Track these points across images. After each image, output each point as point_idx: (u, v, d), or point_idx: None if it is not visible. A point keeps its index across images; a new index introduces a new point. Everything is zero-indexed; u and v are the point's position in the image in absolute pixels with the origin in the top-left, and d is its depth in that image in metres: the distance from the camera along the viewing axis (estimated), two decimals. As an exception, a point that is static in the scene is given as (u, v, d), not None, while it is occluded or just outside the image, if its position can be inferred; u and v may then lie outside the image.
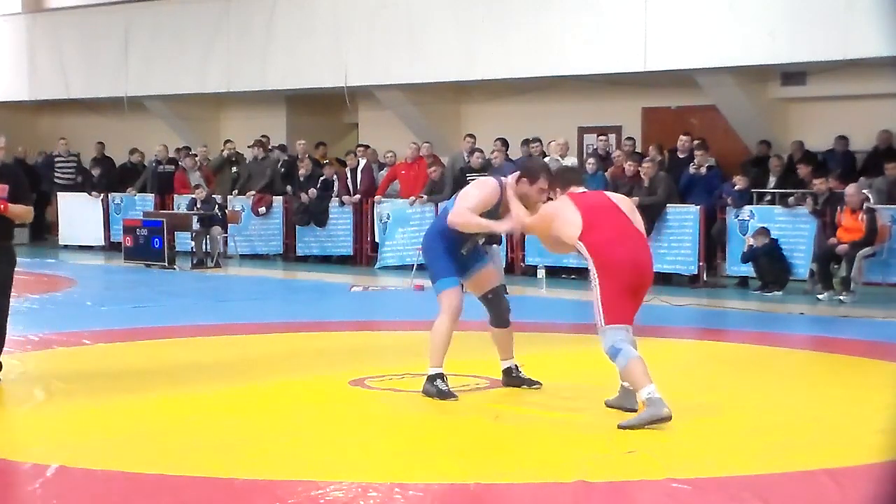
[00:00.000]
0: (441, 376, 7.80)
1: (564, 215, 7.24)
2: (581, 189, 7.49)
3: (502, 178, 7.89)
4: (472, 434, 6.85)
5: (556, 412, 7.39)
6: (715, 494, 5.70)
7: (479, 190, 7.79)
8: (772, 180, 16.34)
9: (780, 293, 14.57)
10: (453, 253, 7.91)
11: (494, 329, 8.11)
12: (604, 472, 5.98)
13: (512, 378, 8.09)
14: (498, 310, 8.05)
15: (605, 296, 7.02)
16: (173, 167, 21.22)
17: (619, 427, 6.82)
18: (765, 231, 14.81)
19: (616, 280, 7.02)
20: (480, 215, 7.67)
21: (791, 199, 15.27)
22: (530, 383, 8.05)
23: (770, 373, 9.28)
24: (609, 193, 7.71)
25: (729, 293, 15.09)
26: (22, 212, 8.19)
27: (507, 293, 7.92)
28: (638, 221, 7.37)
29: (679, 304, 13.60)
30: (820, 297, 14.11)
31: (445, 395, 7.73)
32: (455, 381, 8.09)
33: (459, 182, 17.66)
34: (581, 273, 16.18)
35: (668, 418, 6.75)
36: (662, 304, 13.49)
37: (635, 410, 7.20)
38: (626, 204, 7.45)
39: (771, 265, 14.79)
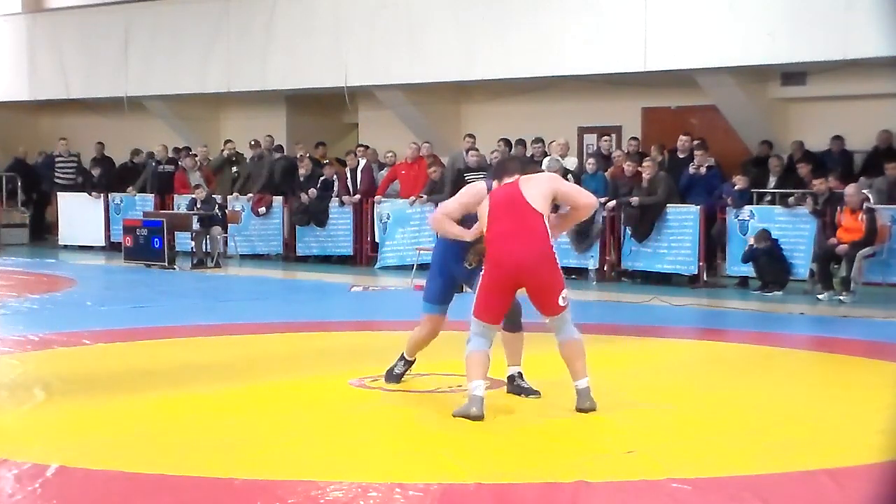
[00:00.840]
0: (404, 361, 8.24)
1: (482, 211, 7.43)
2: (513, 178, 7.42)
3: (493, 181, 7.75)
4: (472, 434, 6.84)
5: (556, 412, 7.39)
6: (715, 494, 5.70)
7: (462, 194, 7.76)
8: (772, 180, 16.34)
9: (781, 293, 14.57)
10: (453, 268, 7.90)
11: (504, 332, 8.09)
12: (604, 472, 5.97)
13: (513, 386, 8.05)
14: (508, 314, 8.01)
15: (481, 289, 7.32)
16: (173, 167, 21.23)
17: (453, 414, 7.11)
18: (766, 234, 14.79)
19: (494, 276, 7.25)
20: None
21: (791, 199, 15.27)
22: (528, 392, 7.96)
23: (770, 373, 9.28)
24: (527, 180, 7.41)
25: (729, 293, 15.09)
26: None
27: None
28: (569, 212, 7.49)
29: (679, 304, 13.60)
30: (820, 297, 14.11)
31: (389, 374, 8.24)
32: (455, 382, 8.09)
33: (458, 182, 17.71)
34: (581, 273, 16.22)
35: (477, 419, 6.99)
36: (662, 304, 13.51)
37: (588, 411, 7.24)
38: (537, 189, 7.29)
39: (771, 265, 14.79)
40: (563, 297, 7.30)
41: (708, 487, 5.76)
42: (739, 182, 15.61)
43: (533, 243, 7.23)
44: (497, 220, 7.27)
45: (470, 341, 7.28)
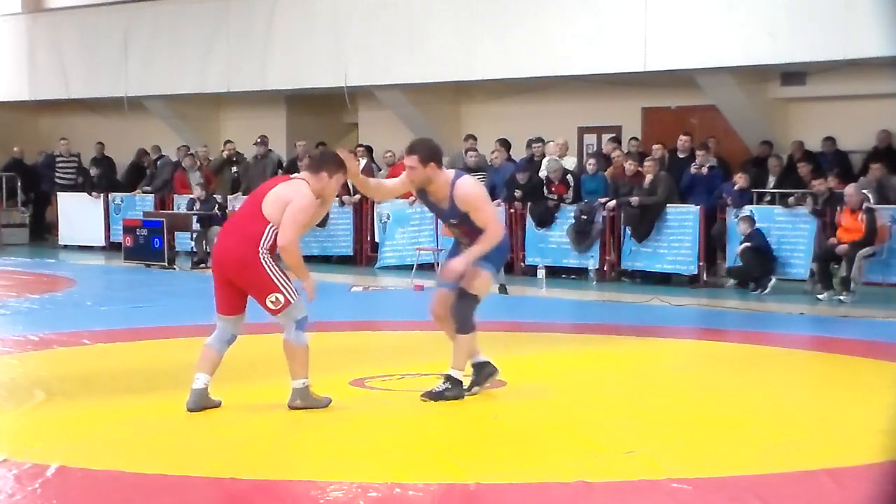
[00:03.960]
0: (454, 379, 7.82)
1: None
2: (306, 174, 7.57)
3: None
4: (472, 434, 6.85)
5: (556, 412, 7.39)
6: (715, 494, 5.70)
7: None
8: (771, 180, 16.34)
9: (770, 286, 14.55)
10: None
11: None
12: (604, 472, 5.98)
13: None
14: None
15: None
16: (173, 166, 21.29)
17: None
18: (749, 219, 14.78)
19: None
20: None
21: (791, 199, 15.27)
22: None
23: (770, 373, 9.27)
24: (285, 180, 7.60)
25: (729, 293, 15.08)
26: None
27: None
28: (293, 204, 7.35)
29: (679, 304, 13.60)
30: (820, 297, 14.11)
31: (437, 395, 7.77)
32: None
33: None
34: (581, 273, 16.23)
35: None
36: (662, 304, 13.50)
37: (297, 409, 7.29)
38: (281, 191, 7.41)
39: (757, 258, 14.71)
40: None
41: (708, 487, 5.76)
42: (740, 181, 15.61)
43: (236, 240, 7.55)
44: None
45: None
